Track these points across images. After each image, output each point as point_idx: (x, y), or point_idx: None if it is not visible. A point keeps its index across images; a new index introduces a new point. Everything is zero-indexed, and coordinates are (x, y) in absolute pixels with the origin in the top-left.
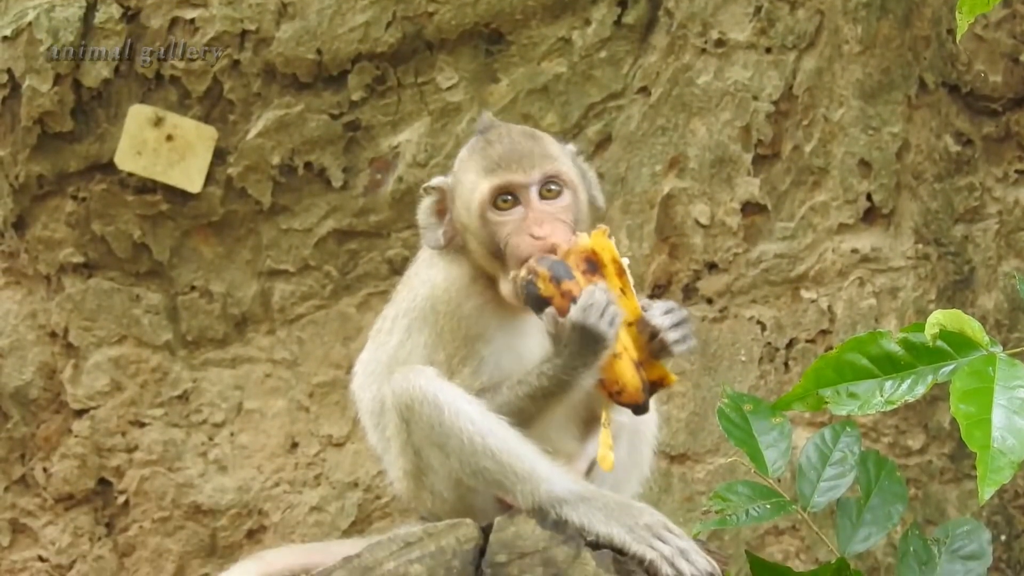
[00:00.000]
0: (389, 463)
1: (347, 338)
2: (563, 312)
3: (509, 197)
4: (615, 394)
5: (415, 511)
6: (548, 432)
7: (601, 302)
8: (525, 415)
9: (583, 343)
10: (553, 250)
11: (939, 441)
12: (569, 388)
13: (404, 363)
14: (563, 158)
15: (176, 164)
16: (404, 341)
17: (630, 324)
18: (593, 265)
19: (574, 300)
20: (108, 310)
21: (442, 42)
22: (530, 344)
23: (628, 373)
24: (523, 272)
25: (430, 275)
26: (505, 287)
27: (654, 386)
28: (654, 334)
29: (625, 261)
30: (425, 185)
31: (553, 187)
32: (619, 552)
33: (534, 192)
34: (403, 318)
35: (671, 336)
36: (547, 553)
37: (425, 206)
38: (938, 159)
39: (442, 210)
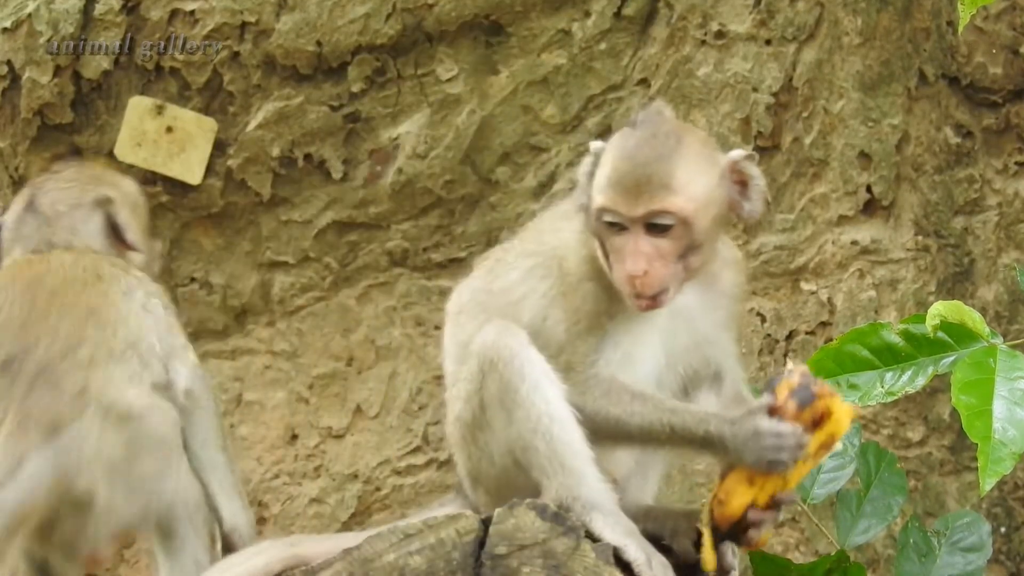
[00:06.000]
0: (450, 399)
1: (347, 330)
2: (771, 411)
3: (616, 222)
4: (714, 504)
5: (451, 464)
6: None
7: (787, 444)
8: (643, 437)
9: (745, 444)
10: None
11: (939, 433)
12: (704, 449)
13: (517, 304)
14: (686, 188)
15: (176, 156)
16: (523, 280)
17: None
18: (817, 422)
19: (777, 416)
20: None
21: (442, 34)
22: (649, 329)
23: (736, 502)
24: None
25: (563, 227)
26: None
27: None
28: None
29: (838, 447)
30: (592, 143)
31: (660, 224)
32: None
33: (639, 225)
34: (527, 258)
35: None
36: (547, 545)
37: (585, 163)
38: (938, 151)
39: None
